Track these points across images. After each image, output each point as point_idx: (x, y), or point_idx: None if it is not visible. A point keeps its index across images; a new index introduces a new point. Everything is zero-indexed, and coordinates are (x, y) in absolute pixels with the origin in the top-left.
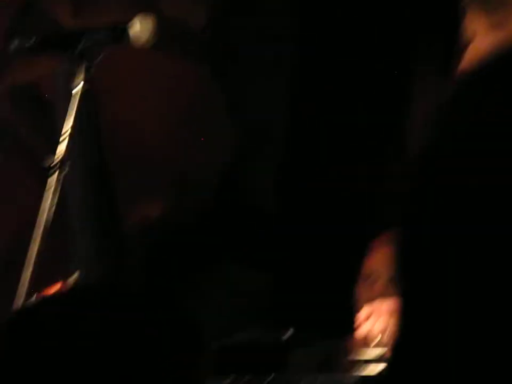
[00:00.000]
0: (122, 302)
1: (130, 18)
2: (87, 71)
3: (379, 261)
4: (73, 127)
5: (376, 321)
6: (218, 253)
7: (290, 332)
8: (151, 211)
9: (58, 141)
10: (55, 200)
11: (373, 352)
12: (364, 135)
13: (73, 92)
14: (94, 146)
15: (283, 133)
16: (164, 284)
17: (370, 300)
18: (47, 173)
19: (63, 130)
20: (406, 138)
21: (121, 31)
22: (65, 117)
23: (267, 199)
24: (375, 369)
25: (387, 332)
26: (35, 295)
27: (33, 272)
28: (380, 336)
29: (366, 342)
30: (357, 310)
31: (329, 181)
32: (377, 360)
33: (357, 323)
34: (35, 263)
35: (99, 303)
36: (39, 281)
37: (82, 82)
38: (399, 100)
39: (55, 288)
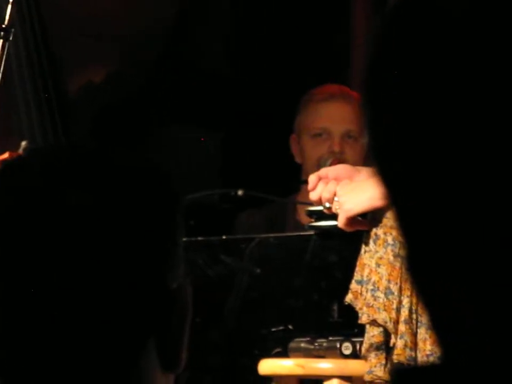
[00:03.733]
0: (74, 161)
1: None
2: None
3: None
4: None
5: (324, 186)
6: (166, 115)
7: (240, 192)
8: (96, 76)
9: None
10: (1, 69)
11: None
12: None
13: None
14: (35, 13)
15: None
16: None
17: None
18: None
19: None
20: None
21: None
22: None
23: (216, 59)
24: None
25: (336, 199)
26: None
27: None
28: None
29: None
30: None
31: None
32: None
33: (309, 187)
34: None
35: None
36: None
37: None
38: None
39: (3, 157)
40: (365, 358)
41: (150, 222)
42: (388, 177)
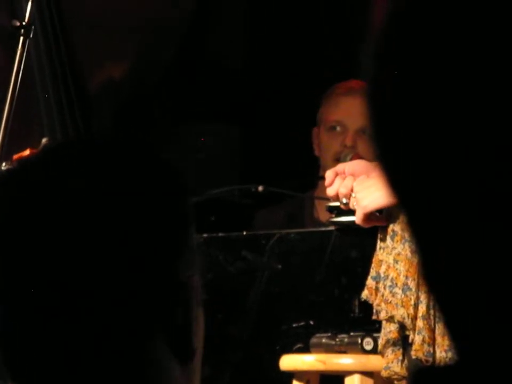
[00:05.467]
0: (96, 157)
1: None
2: None
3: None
4: None
5: (341, 182)
6: (185, 111)
7: (260, 188)
8: (116, 72)
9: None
10: (22, 66)
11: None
12: None
13: None
14: (55, 10)
15: None
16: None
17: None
18: (12, 37)
19: None
20: None
21: None
22: None
23: (234, 56)
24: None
25: (353, 195)
26: (4, 164)
27: (3, 138)
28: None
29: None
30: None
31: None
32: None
33: (326, 182)
34: (6, 128)
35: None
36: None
37: None
38: None
39: (24, 154)
40: (381, 354)
41: (160, 216)
42: (393, 179)
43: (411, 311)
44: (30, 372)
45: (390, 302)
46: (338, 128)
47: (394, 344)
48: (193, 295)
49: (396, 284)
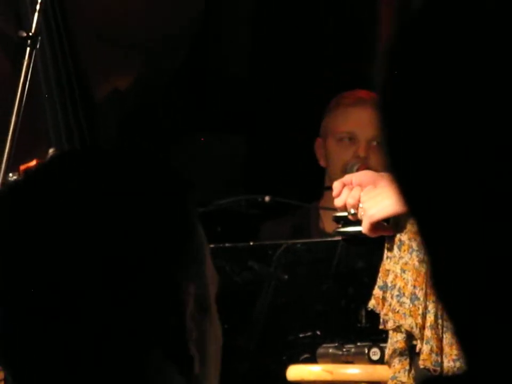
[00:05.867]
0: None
1: None
2: None
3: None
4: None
5: (349, 193)
6: (190, 121)
7: (267, 198)
8: (121, 83)
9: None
10: (28, 76)
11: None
12: None
13: None
14: (61, 21)
15: None
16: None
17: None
18: (19, 47)
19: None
20: None
21: None
22: None
23: (240, 65)
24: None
25: (360, 205)
26: (11, 174)
27: (10, 149)
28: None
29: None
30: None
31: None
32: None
33: (333, 193)
34: (12, 139)
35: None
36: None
37: None
38: None
39: (31, 165)
40: (388, 363)
41: (160, 222)
42: (404, 188)
43: (419, 320)
44: (30, 372)
45: (398, 311)
46: (349, 139)
47: (401, 354)
48: (189, 300)
49: (404, 294)
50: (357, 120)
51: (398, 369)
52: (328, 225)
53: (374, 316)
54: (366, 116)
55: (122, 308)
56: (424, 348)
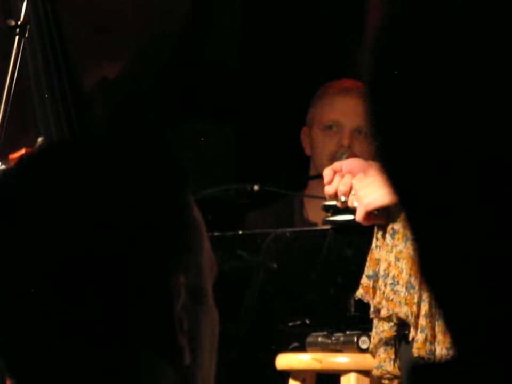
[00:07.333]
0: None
1: None
2: None
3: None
4: None
5: (340, 181)
6: (179, 110)
7: (256, 187)
8: (110, 71)
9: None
10: (17, 67)
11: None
12: None
13: None
14: (50, 9)
15: None
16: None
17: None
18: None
19: None
20: None
21: None
22: None
23: (230, 55)
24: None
25: (352, 193)
26: (0, 163)
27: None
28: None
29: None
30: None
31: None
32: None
33: (325, 180)
34: (1, 128)
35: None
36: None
37: None
38: None
39: (20, 153)
40: (372, 353)
41: (152, 212)
42: (392, 177)
43: (414, 309)
44: (27, 369)
45: (392, 299)
46: (334, 128)
47: (386, 343)
48: (181, 290)
49: (398, 282)
50: (342, 109)
51: (384, 358)
52: (312, 215)
53: (363, 305)
54: (351, 105)
55: (111, 299)
56: (419, 337)
